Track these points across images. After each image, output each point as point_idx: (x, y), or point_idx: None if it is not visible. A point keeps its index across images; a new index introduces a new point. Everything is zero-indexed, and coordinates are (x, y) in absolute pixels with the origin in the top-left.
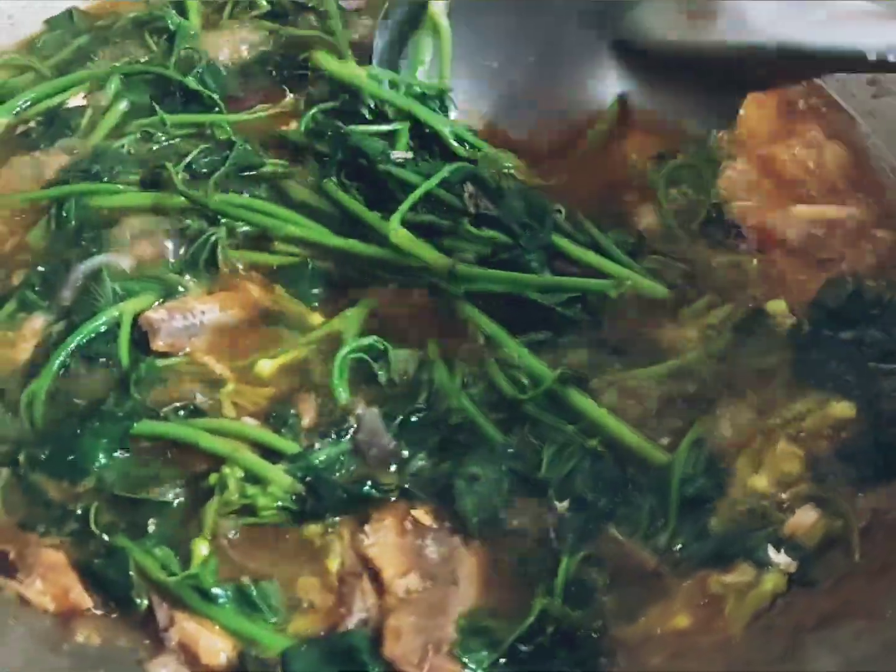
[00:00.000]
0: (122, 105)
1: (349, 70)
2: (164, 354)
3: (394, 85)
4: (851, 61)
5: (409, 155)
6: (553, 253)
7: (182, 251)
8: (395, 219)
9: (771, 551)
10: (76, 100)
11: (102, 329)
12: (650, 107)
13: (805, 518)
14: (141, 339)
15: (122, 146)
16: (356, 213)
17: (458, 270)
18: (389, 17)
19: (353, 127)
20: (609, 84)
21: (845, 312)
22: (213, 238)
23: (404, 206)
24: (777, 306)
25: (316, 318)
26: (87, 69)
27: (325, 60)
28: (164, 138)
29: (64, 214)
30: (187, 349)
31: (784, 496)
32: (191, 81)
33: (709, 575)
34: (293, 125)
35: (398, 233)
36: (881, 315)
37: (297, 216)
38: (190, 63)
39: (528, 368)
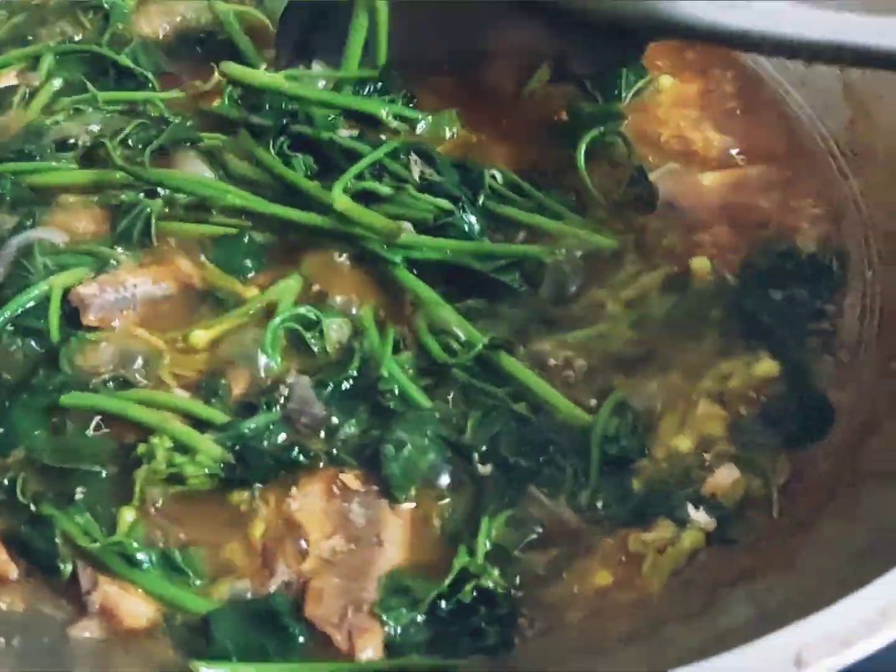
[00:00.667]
0: (56, 83)
1: (265, 78)
2: (96, 328)
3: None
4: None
5: (356, 132)
6: (496, 218)
7: (116, 225)
8: (339, 186)
9: (690, 509)
10: (8, 79)
11: (32, 304)
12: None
13: (725, 477)
14: (73, 312)
15: (57, 122)
16: (294, 182)
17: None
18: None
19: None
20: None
21: (775, 272)
22: (146, 210)
23: (349, 174)
24: (701, 263)
25: (250, 290)
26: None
27: (237, 72)
28: (97, 116)
29: None
30: (118, 322)
31: (706, 456)
32: (124, 59)
33: (629, 533)
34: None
35: (342, 200)
36: (812, 275)
37: (237, 188)
38: (123, 40)
39: (461, 333)
